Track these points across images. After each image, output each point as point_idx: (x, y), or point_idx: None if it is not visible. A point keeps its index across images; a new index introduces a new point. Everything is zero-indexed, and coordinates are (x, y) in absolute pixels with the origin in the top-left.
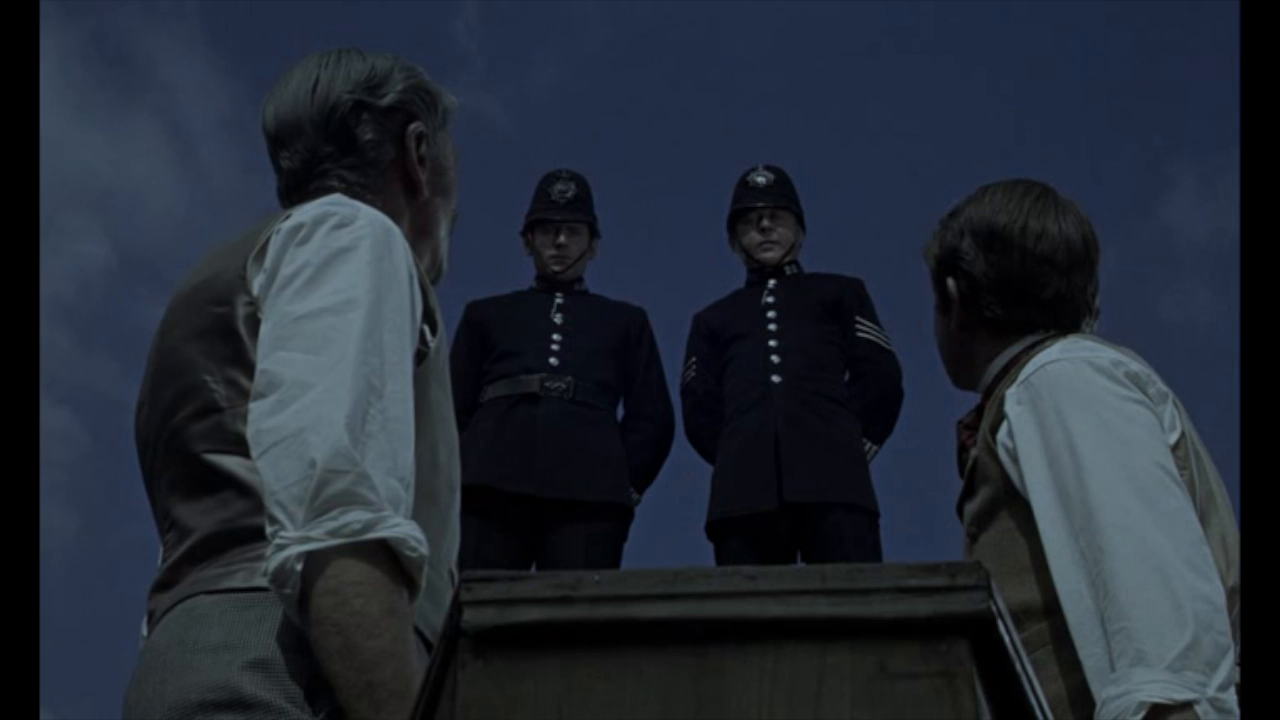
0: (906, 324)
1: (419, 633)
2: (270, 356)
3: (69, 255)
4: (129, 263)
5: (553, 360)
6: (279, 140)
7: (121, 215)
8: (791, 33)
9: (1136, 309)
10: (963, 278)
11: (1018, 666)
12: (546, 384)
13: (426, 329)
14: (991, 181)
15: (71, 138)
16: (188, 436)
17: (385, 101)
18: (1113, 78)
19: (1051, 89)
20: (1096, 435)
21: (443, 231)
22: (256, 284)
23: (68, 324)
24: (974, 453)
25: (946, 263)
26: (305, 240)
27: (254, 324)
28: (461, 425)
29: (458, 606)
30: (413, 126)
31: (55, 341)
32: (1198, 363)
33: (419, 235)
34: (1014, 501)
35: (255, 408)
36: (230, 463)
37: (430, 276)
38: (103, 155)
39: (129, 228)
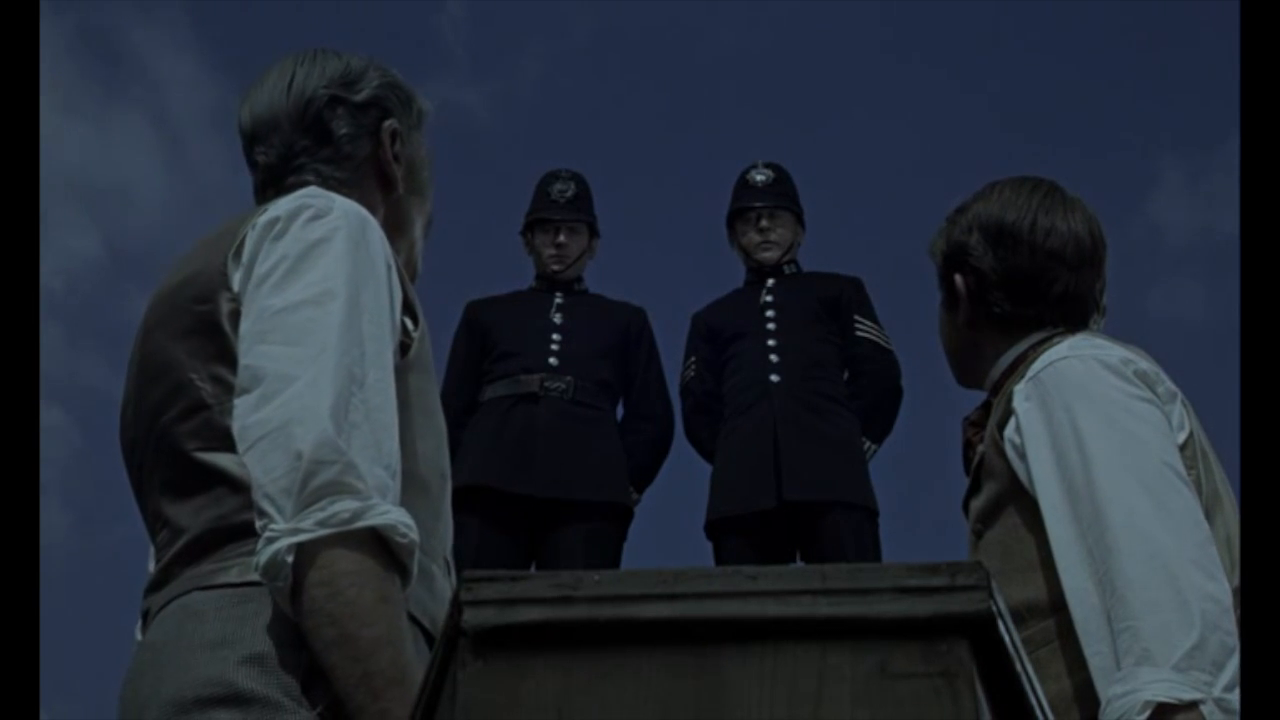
0: (905, 323)
1: (414, 619)
2: (251, 351)
3: (58, 250)
4: (119, 258)
5: (552, 360)
6: (255, 137)
7: (110, 210)
8: (782, 29)
9: (1124, 306)
10: (970, 274)
11: (1018, 666)
12: (546, 384)
13: (408, 320)
14: (997, 178)
15: (59, 132)
16: (177, 435)
17: (360, 97)
18: (1100, 75)
19: (1041, 87)
20: (1105, 433)
21: (417, 232)
22: (236, 280)
23: (57, 319)
24: (980, 449)
25: (954, 259)
26: (281, 234)
27: (237, 320)
28: (462, 425)
29: (458, 606)
30: (387, 123)
31: (45, 337)
32: (1186, 360)
33: (394, 232)
34: (1020, 498)
35: (239, 403)
36: (220, 460)
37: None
38: (91, 150)
39: (118, 222)
